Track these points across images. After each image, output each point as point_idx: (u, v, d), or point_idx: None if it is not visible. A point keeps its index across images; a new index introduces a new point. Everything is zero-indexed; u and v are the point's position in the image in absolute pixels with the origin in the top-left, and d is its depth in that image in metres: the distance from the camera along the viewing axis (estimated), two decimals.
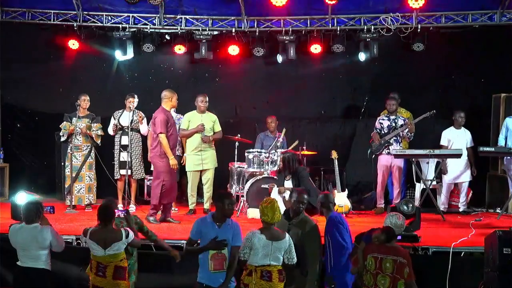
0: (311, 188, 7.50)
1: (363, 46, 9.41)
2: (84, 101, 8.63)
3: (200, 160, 8.39)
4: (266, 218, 5.00)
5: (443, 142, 8.72)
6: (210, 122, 8.56)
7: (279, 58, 9.75)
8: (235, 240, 5.00)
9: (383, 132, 8.60)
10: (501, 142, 8.36)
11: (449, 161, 8.54)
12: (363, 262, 5.10)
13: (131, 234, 5.33)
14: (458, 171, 8.61)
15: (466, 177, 8.65)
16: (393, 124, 8.57)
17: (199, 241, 5.11)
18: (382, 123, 8.64)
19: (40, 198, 7.12)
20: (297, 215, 5.50)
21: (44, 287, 5.33)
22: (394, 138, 8.52)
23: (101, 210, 5.33)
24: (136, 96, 8.80)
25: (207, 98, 8.55)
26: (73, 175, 8.52)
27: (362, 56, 9.54)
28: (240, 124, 9.74)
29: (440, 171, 8.61)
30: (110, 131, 8.75)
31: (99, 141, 8.72)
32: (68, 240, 6.35)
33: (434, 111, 8.51)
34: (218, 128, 8.69)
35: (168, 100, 7.75)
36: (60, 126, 8.71)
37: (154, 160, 7.76)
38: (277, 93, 10.08)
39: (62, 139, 8.77)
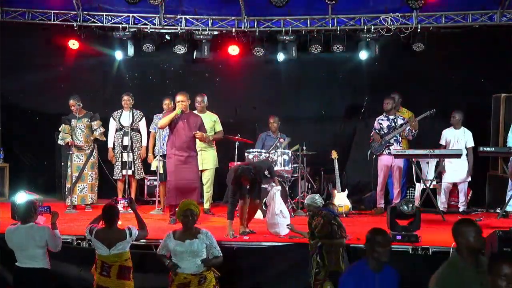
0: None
1: (363, 46, 9.41)
2: (73, 106, 8.52)
3: (200, 160, 8.38)
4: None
5: (441, 141, 8.75)
6: (211, 122, 8.55)
7: (279, 58, 9.75)
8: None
9: (382, 132, 8.60)
10: (509, 141, 8.34)
11: (447, 161, 8.54)
12: None
13: (134, 231, 5.35)
14: (456, 171, 8.59)
15: (464, 177, 8.63)
16: (393, 124, 8.58)
17: None
18: (381, 123, 8.65)
19: (40, 198, 7.12)
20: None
21: (45, 287, 5.35)
22: (394, 138, 8.53)
23: (106, 210, 5.35)
24: (130, 94, 8.83)
25: (204, 98, 8.57)
26: (76, 174, 8.53)
27: (362, 56, 9.55)
28: (240, 124, 9.73)
29: (440, 171, 8.61)
30: (110, 143, 8.80)
31: (104, 138, 8.76)
32: (68, 240, 6.35)
33: (434, 110, 8.52)
34: (219, 128, 8.69)
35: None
36: (59, 129, 8.71)
37: None
38: (277, 93, 10.08)
39: (60, 142, 8.75)
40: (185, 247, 5.07)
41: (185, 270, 5.08)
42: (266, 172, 7.20)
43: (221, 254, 5.21)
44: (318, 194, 5.91)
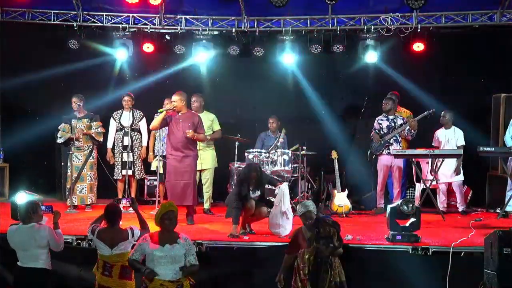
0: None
1: (363, 46, 9.41)
2: (74, 103, 8.56)
3: (199, 160, 8.37)
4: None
5: (434, 142, 8.76)
6: (208, 121, 8.55)
7: (279, 58, 9.74)
8: None
9: (382, 132, 8.60)
10: (507, 140, 8.34)
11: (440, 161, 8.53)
12: None
13: (136, 231, 5.36)
14: (449, 171, 8.57)
15: (457, 177, 8.60)
16: (392, 124, 8.58)
17: None
18: (381, 124, 8.65)
19: (40, 198, 7.12)
20: None
21: (45, 287, 5.35)
22: (394, 138, 8.53)
23: (108, 210, 5.36)
24: (131, 94, 8.83)
25: (198, 98, 8.57)
26: (75, 175, 8.53)
27: (362, 56, 9.54)
28: (240, 124, 9.73)
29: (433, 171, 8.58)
30: (110, 144, 8.78)
31: (101, 139, 8.72)
32: (68, 240, 6.36)
33: (433, 109, 8.52)
34: (217, 127, 8.69)
35: None
36: (58, 128, 8.71)
37: None
38: (277, 93, 10.07)
39: (59, 141, 8.73)
40: (165, 252, 4.87)
41: (162, 276, 4.84)
42: (268, 186, 7.33)
43: (198, 264, 5.00)
44: (310, 201, 5.77)
